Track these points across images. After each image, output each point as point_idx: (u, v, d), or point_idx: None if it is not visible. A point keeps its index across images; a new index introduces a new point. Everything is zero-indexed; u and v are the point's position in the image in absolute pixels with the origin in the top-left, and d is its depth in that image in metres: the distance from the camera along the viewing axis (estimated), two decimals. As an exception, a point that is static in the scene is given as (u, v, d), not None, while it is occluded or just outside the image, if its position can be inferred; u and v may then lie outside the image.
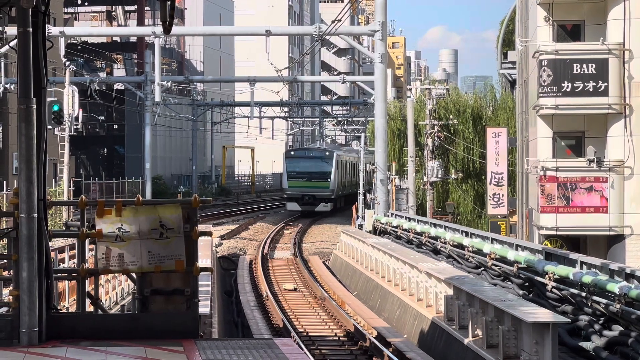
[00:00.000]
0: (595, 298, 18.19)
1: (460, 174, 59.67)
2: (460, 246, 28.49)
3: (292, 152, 76.40)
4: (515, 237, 40.00)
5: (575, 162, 33.12)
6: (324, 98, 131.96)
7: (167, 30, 10.56)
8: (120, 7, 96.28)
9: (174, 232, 11.11)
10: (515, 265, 23.06)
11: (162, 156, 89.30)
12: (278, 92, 74.17)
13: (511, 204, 45.38)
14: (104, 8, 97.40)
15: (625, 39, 32.37)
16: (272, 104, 76.82)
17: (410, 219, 38.80)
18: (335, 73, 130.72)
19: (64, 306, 21.62)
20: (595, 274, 18.51)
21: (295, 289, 32.77)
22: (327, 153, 72.75)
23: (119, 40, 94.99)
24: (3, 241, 11.24)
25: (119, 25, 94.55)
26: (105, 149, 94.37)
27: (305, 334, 23.92)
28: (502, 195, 44.98)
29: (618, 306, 17.05)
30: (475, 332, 18.22)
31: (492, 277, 24.97)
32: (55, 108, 44.21)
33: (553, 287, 20.41)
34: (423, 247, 33.40)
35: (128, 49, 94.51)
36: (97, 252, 11.14)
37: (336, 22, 35.83)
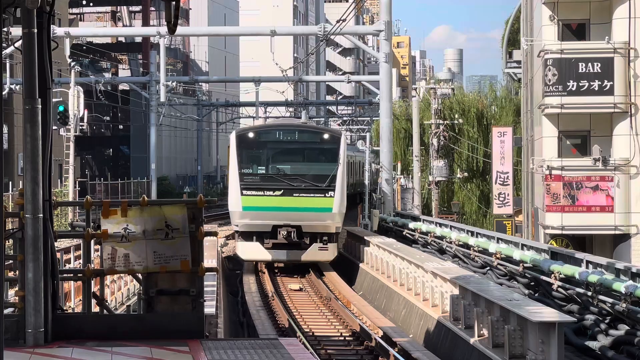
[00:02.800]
0: (601, 297, 18.17)
1: (466, 174, 59.68)
2: (466, 246, 28.46)
3: (252, 133, 35.13)
4: (521, 236, 39.96)
5: (581, 161, 33.09)
6: (329, 98, 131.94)
7: (171, 30, 10.57)
8: (125, 7, 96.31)
9: (180, 232, 11.12)
10: (521, 264, 23.04)
11: (167, 156, 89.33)
12: (283, 92, 74.16)
13: (517, 204, 45.34)
14: (108, 9, 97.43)
15: (631, 37, 32.34)
16: (277, 104, 76.81)
17: (415, 219, 38.76)
18: (340, 73, 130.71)
19: (70, 307, 21.64)
20: (601, 273, 18.48)
21: (300, 289, 32.74)
22: (327, 136, 34.92)
23: (124, 41, 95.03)
24: (9, 242, 11.25)
25: (124, 25, 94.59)
26: (111, 150, 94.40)
27: (311, 333, 23.91)
28: (508, 195, 44.94)
29: (624, 305, 17.02)
30: (481, 332, 18.21)
31: (498, 277, 24.96)
32: (61, 108, 44.27)
33: (559, 286, 20.38)
34: (429, 246, 33.36)
35: (133, 50, 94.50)
36: (103, 252, 11.14)
37: (341, 21, 35.85)
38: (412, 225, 36.68)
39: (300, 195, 33.11)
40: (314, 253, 33.52)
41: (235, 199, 33.37)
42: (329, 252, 33.83)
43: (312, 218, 32.93)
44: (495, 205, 45.62)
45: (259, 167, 34.14)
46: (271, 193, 33.22)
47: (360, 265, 34.55)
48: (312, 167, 34.25)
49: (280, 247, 33.22)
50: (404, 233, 37.51)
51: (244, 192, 33.18)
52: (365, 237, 34.69)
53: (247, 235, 33.60)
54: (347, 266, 37.36)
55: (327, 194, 32.99)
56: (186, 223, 11.13)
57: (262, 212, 32.89)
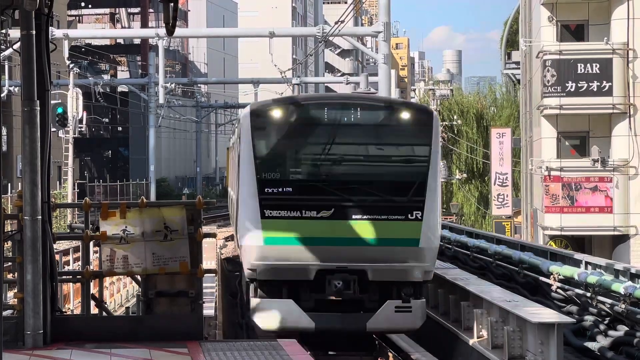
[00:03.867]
0: (600, 298, 18.17)
1: (464, 175, 59.74)
2: (465, 247, 28.44)
3: (279, 111, 19.13)
4: (520, 237, 39.96)
5: (580, 162, 33.11)
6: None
7: (170, 31, 10.58)
8: (123, 9, 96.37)
9: (178, 233, 11.11)
10: (520, 265, 23.03)
11: (166, 158, 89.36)
12: (282, 93, 74.15)
13: (515, 204, 45.37)
14: (107, 10, 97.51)
15: (629, 38, 32.38)
16: (276, 106, 76.70)
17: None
18: (339, 74, 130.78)
19: (69, 308, 21.63)
20: (600, 274, 18.49)
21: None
22: (410, 115, 19.27)
23: (122, 43, 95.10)
24: (8, 244, 11.26)
25: (122, 27, 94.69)
26: (110, 151, 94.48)
27: (310, 335, 23.75)
28: (507, 196, 44.97)
29: (623, 306, 17.03)
30: (480, 333, 18.20)
31: (497, 278, 24.95)
32: (59, 110, 44.31)
33: (558, 287, 20.39)
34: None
35: (132, 51, 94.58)
36: (102, 254, 11.15)
37: (340, 23, 35.84)
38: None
39: (365, 217, 18.69)
40: (388, 317, 18.90)
41: (249, 225, 18.84)
42: (414, 316, 19.00)
43: (386, 257, 18.69)
44: (494, 206, 45.65)
45: (291, 170, 19.28)
46: (314, 214, 18.67)
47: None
48: (386, 168, 19.57)
49: (329, 308, 18.91)
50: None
51: (267, 212, 18.59)
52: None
53: (271, 288, 19.08)
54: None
55: (411, 215, 18.80)
56: (185, 224, 11.13)
57: (299, 248, 18.69)
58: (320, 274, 18.67)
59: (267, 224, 18.62)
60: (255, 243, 18.75)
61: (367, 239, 18.66)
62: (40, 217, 10.63)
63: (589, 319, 18.56)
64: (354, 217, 18.62)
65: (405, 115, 19.41)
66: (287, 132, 19.35)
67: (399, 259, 18.72)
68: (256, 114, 19.34)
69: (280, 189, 18.84)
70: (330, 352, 19.61)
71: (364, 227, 18.61)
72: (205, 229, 11.50)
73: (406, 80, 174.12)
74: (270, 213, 18.64)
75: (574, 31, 34.21)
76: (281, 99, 21.88)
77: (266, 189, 18.70)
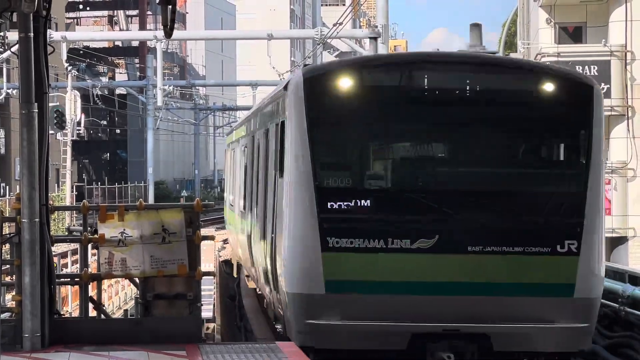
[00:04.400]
0: (599, 300, 18.18)
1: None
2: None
3: (349, 79, 11.71)
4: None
5: (578, 164, 33.11)
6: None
7: (168, 34, 10.59)
8: (122, 11, 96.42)
9: (177, 236, 11.11)
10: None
11: (164, 160, 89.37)
12: (280, 95, 74.14)
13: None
14: (105, 13, 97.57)
15: (627, 40, 32.40)
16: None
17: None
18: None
19: (67, 311, 21.63)
20: (598, 276, 18.49)
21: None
22: (559, 85, 12.00)
23: (120, 45, 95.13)
24: (5, 246, 11.27)
25: (120, 29, 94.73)
26: (108, 154, 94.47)
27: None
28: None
29: (621, 308, 17.03)
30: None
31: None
32: (58, 113, 44.32)
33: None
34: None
35: (130, 54, 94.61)
36: (100, 257, 11.14)
37: (338, 25, 35.84)
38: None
39: (487, 249, 11.91)
40: None
41: (301, 261, 11.84)
42: None
43: (522, 314, 12.02)
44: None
45: (370, 173, 12.47)
46: (407, 244, 11.75)
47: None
48: (521, 171, 12.51)
49: None
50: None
51: (331, 240, 11.72)
52: None
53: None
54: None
55: (561, 247, 12.00)
56: (183, 227, 11.13)
57: (382, 299, 11.81)
58: (417, 341, 12.02)
59: (332, 260, 11.83)
60: (310, 290, 11.88)
61: (491, 284, 12.04)
62: (38, 219, 10.62)
63: (587, 321, 18.55)
64: (469, 249, 11.95)
65: (550, 87, 12.29)
66: (363, 114, 12.28)
67: (541, 316, 12.15)
68: (313, 84, 12.11)
69: (352, 204, 11.95)
70: None
71: (485, 266, 12.00)
72: (204, 231, 11.50)
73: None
74: (337, 242, 11.86)
75: (572, 33, 34.24)
76: (352, 60, 14.18)
77: (330, 205, 11.87)
